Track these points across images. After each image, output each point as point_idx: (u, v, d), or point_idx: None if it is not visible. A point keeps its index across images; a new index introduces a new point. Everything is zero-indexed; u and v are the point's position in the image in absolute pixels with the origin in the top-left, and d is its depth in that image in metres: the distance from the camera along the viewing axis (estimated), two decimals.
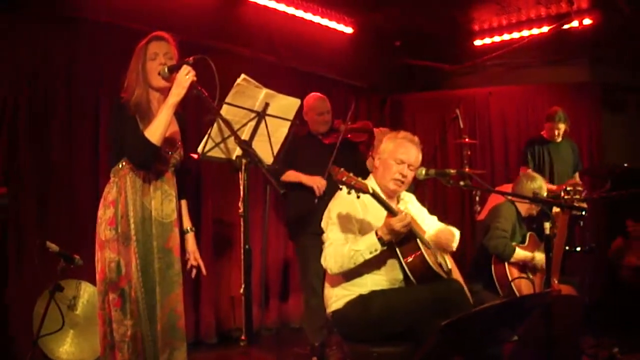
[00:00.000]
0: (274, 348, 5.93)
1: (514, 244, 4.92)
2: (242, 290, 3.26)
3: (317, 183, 5.13)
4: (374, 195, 3.46)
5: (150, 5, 5.59)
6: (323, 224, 3.79)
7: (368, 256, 3.48)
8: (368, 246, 3.47)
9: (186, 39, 3.74)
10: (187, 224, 3.76)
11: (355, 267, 3.53)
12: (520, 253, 4.88)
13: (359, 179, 3.37)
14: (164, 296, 3.40)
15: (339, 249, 3.56)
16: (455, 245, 3.98)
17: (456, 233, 4.04)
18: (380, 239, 3.45)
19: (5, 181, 4.80)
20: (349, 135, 5.42)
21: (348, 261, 3.51)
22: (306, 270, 5.29)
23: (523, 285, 4.80)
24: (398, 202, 3.94)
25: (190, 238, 3.76)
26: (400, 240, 3.57)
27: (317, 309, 4.87)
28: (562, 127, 6.58)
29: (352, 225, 3.66)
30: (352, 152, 5.42)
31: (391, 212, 3.49)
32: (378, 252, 3.48)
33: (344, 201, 3.70)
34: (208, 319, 6.23)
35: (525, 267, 4.94)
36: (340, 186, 3.32)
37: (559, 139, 6.65)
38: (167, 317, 3.40)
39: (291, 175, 5.29)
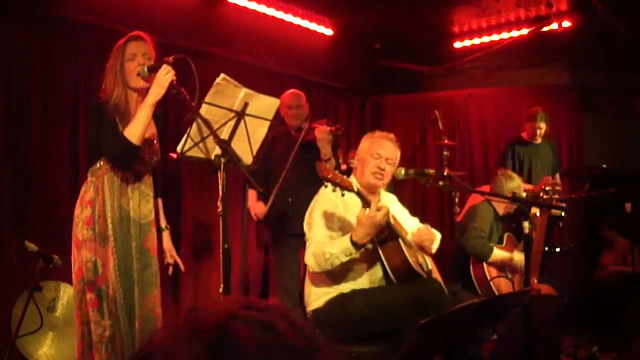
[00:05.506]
0: None
1: (491, 244, 4.89)
2: (221, 290, 3.24)
3: (255, 210, 5.39)
4: (359, 194, 3.47)
5: (129, 5, 5.55)
6: (305, 224, 3.80)
7: (344, 259, 3.48)
8: (343, 250, 3.47)
9: (165, 40, 3.72)
10: (162, 222, 3.77)
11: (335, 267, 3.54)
12: (498, 253, 4.84)
13: (344, 177, 3.37)
14: (142, 296, 3.40)
15: (318, 248, 3.56)
16: (435, 247, 4.00)
17: (438, 236, 4.05)
18: (354, 244, 3.44)
19: None
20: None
21: (325, 262, 3.52)
22: (280, 270, 5.32)
23: (502, 284, 4.80)
24: (379, 201, 3.94)
25: (166, 236, 3.78)
26: (382, 240, 3.59)
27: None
28: (543, 126, 6.56)
29: (334, 223, 3.69)
30: (317, 151, 5.40)
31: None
32: (354, 255, 3.48)
33: (326, 199, 3.73)
34: None
35: (504, 267, 4.94)
36: (325, 183, 3.32)
37: (539, 140, 6.65)
38: (144, 317, 3.39)
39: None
